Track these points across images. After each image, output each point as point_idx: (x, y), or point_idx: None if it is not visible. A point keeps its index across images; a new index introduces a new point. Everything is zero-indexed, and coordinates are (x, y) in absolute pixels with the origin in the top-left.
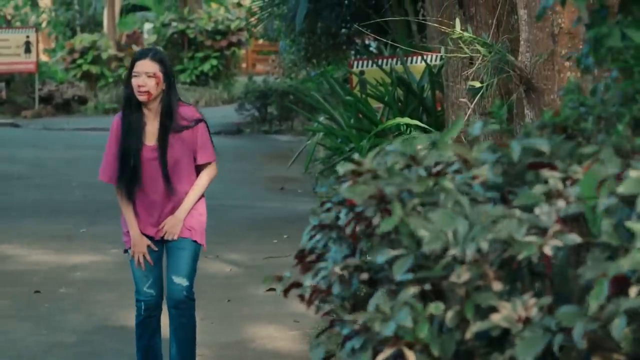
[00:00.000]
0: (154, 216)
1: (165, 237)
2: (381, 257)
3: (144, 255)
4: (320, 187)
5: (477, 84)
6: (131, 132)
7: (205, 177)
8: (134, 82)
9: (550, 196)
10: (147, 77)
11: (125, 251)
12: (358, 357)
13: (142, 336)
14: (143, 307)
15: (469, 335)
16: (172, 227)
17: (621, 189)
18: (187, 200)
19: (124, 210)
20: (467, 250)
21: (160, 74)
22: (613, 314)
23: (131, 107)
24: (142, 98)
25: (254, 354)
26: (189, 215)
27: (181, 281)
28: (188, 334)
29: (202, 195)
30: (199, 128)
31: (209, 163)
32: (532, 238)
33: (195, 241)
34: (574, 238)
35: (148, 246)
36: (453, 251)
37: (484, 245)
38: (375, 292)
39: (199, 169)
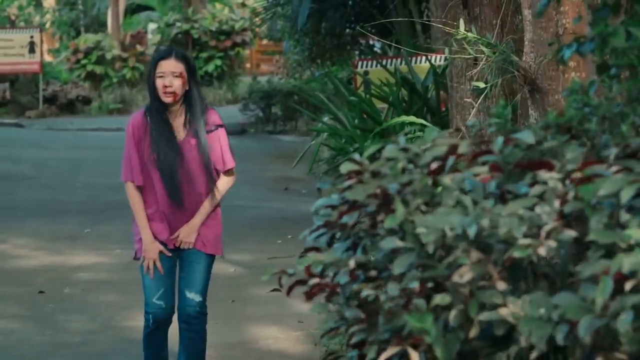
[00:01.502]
0: (171, 222)
1: (181, 247)
2: (387, 244)
3: (154, 262)
4: (323, 184)
5: (482, 85)
6: (160, 134)
7: (223, 184)
8: (160, 83)
9: (545, 197)
10: (173, 77)
11: (136, 258)
12: (363, 356)
13: (149, 348)
14: (151, 320)
15: (473, 333)
16: (187, 236)
17: (602, 191)
18: (203, 208)
19: (137, 212)
20: (468, 231)
21: (185, 74)
22: (618, 311)
23: (156, 109)
24: (168, 99)
25: (257, 354)
26: (204, 225)
27: (194, 297)
28: (198, 348)
29: (218, 204)
30: (218, 133)
31: (228, 170)
32: (526, 240)
33: (209, 254)
34: (570, 234)
35: (161, 252)
36: (450, 234)
37: (472, 231)
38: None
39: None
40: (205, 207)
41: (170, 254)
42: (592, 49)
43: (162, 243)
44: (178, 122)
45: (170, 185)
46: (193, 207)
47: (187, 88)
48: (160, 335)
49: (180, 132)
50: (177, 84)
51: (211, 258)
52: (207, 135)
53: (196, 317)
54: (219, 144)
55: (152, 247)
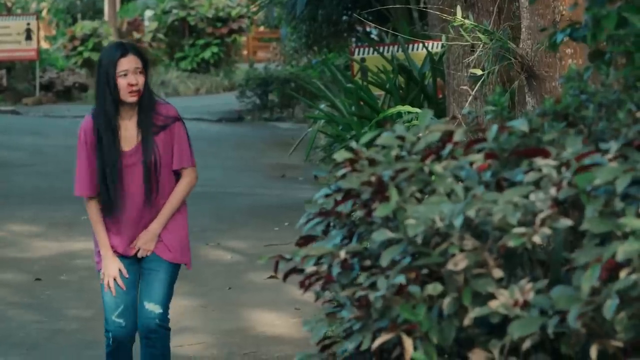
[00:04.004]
0: (131, 232)
1: (139, 255)
2: (378, 236)
3: (114, 279)
4: (319, 171)
5: (479, 72)
6: (109, 140)
7: (183, 185)
8: (123, 82)
9: (540, 185)
10: (137, 73)
11: (99, 270)
12: (357, 343)
13: None
14: (111, 339)
15: (467, 322)
16: (146, 243)
17: (597, 180)
18: (163, 212)
19: (95, 226)
20: (453, 222)
21: (143, 69)
22: (606, 297)
23: (110, 111)
24: (133, 98)
25: (255, 341)
26: (166, 230)
27: (153, 308)
28: None
29: (184, 204)
30: (175, 127)
31: (186, 169)
32: (521, 229)
33: (173, 263)
34: (566, 222)
35: (120, 270)
36: (439, 224)
37: (458, 222)
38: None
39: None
40: (164, 211)
41: (128, 276)
42: (585, 34)
43: (121, 256)
44: (132, 123)
45: (112, 197)
46: (151, 214)
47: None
48: (122, 355)
49: (134, 134)
50: (141, 81)
51: (175, 267)
52: (162, 132)
53: (155, 330)
54: (174, 139)
55: (112, 264)
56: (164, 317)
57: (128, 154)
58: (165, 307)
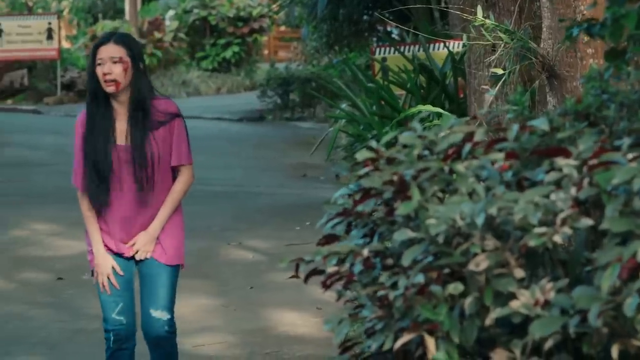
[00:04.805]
0: (126, 230)
1: (137, 257)
2: (400, 236)
3: (108, 277)
4: (341, 169)
5: (500, 71)
6: (98, 132)
7: (180, 184)
8: (99, 70)
9: (561, 184)
10: (112, 63)
11: (92, 273)
12: (380, 343)
13: None
14: (112, 339)
15: (488, 322)
16: (144, 245)
17: (615, 180)
18: (162, 213)
19: (88, 223)
20: (475, 220)
21: (127, 59)
22: (626, 296)
23: (98, 103)
24: (110, 89)
25: (276, 341)
26: (163, 231)
27: (161, 315)
28: None
29: (179, 205)
30: (174, 124)
31: (184, 167)
32: (542, 229)
33: (172, 265)
34: (587, 222)
35: (114, 267)
36: (460, 223)
37: (480, 220)
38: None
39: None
40: (163, 212)
41: (122, 273)
42: (604, 32)
43: (116, 254)
44: (123, 116)
45: (100, 191)
46: (147, 213)
47: (132, 77)
48: (124, 357)
49: (125, 128)
50: (117, 71)
51: (175, 268)
52: (161, 128)
53: (166, 337)
54: (173, 136)
55: (105, 262)
56: (172, 322)
57: (121, 148)
58: (172, 311)
